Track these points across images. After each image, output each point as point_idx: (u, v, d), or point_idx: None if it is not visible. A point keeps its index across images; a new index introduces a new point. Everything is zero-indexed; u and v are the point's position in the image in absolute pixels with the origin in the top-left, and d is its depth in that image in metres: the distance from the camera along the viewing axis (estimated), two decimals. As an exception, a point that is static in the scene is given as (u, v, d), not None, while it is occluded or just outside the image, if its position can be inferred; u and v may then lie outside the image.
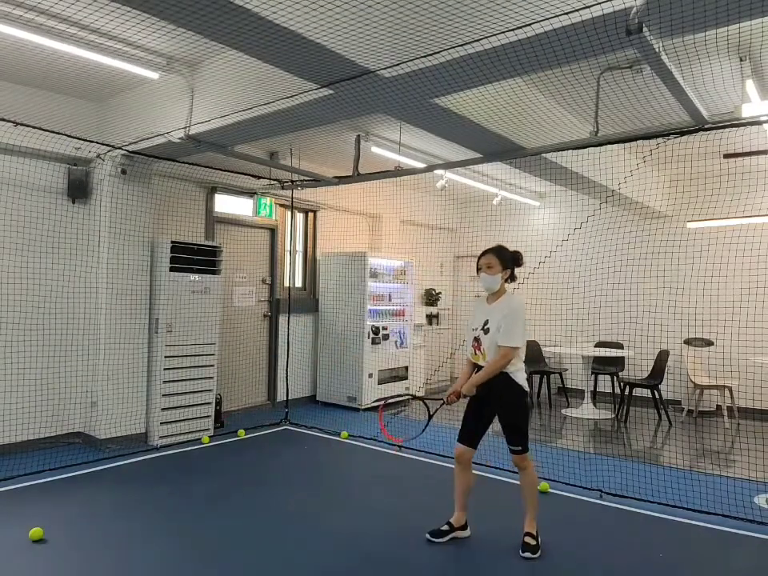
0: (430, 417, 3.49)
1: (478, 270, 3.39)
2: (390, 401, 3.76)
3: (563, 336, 7.91)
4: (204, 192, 6.37)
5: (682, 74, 3.57)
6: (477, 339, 3.33)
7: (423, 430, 3.53)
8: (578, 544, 3.43)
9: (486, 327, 3.29)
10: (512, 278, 3.41)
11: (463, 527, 3.49)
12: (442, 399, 3.43)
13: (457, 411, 3.50)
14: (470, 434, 3.39)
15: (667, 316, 6.49)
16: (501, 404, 3.29)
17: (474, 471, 3.54)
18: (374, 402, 7.00)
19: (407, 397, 3.61)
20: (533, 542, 3.25)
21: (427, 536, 3.40)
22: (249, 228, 6.87)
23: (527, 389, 3.33)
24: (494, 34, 2.87)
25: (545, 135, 4.80)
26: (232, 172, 5.93)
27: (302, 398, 7.33)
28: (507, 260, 3.35)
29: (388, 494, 4.26)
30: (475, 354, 3.35)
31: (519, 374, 3.27)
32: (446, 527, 3.44)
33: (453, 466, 3.56)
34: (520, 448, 3.27)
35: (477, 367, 3.34)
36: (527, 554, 3.20)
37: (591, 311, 6.90)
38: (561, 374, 7.75)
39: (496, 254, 3.35)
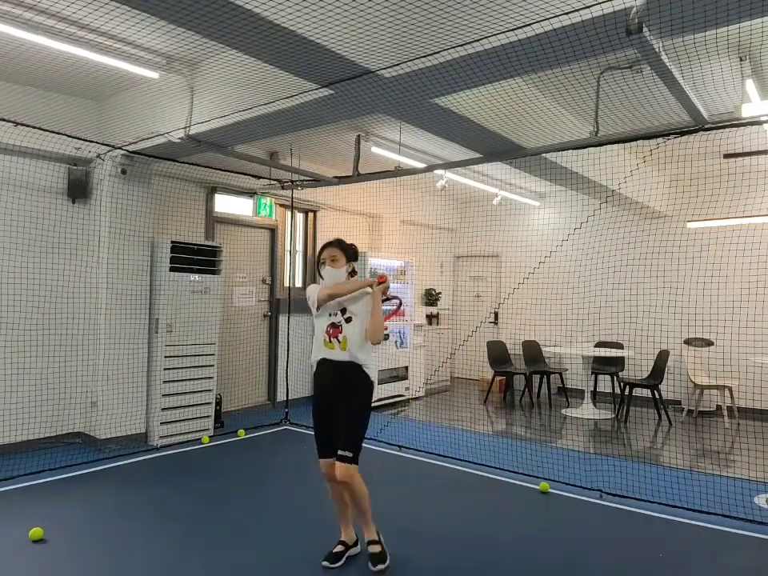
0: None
1: (321, 263, 3.11)
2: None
3: (563, 336, 7.92)
4: (204, 192, 6.37)
5: (682, 74, 3.57)
6: (335, 326, 3.01)
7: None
8: (578, 544, 3.43)
9: (347, 317, 3.01)
10: (353, 272, 3.19)
11: (355, 543, 3.18)
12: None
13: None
14: (329, 443, 3.02)
15: (667, 316, 6.49)
16: (348, 397, 2.98)
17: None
18: (374, 402, 6.98)
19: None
20: (378, 549, 3.01)
21: (324, 563, 3.02)
22: (249, 228, 6.88)
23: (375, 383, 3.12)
24: (494, 34, 2.87)
25: (545, 135, 4.80)
26: (232, 172, 5.93)
27: (302, 398, 7.32)
28: (350, 253, 3.14)
29: (388, 493, 4.25)
30: (329, 340, 3.01)
31: (373, 367, 3.08)
32: (340, 548, 3.10)
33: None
34: (351, 455, 2.88)
35: (325, 360, 3.04)
36: (378, 566, 2.95)
37: (591, 311, 6.90)
38: (561, 374, 7.75)
39: (339, 246, 3.12)
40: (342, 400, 2.99)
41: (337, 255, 3.09)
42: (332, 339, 3.02)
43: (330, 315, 3.05)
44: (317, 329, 3.08)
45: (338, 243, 3.14)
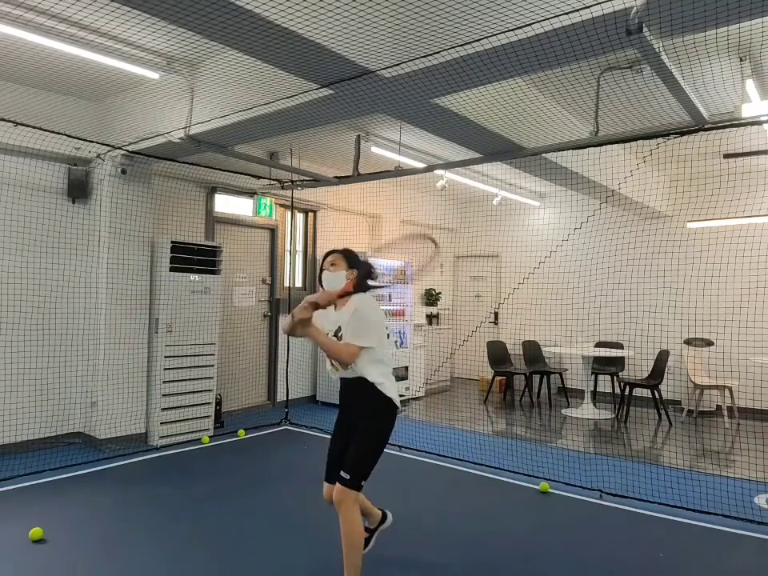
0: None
1: (321, 271, 2.97)
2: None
3: (563, 336, 7.92)
4: (204, 192, 6.37)
5: (682, 73, 3.57)
6: None
7: None
8: (578, 544, 3.43)
9: (339, 334, 2.80)
10: (362, 286, 2.90)
11: (382, 521, 3.19)
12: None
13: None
14: (334, 469, 2.85)
15: (667, 316, 6.49)
16: (361, 416, 2.80)
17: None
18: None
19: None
20: None
21: None
22: (249, 228, 6.88)
23: (397, 404, 2.82)
24: (494, 34, 2.87)
25: (545, 135, 4.80)
26: (232, 172, 5.93)
27: (302, 398, 7.33)
28: (353, 261, 2.95)
29: (388, 493, 4.25)
30: (331, 363, 2.85)
31: (387, 383, 2.80)
32: (366, 534, 2.99)
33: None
34: (349, 477, 2.69)
35: (341, 380, 2.89)
36: None
37: (591, 311, 6.91)
38: (561, 374, 7.75)
39: (341, 253, 2.98)
40: (356, 417, 2.84)
41: (336, 261, 2.93)
42: (332, 363, 2.84)
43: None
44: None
45: (341, 251, 2.99)
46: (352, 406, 2.88)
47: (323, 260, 3.01)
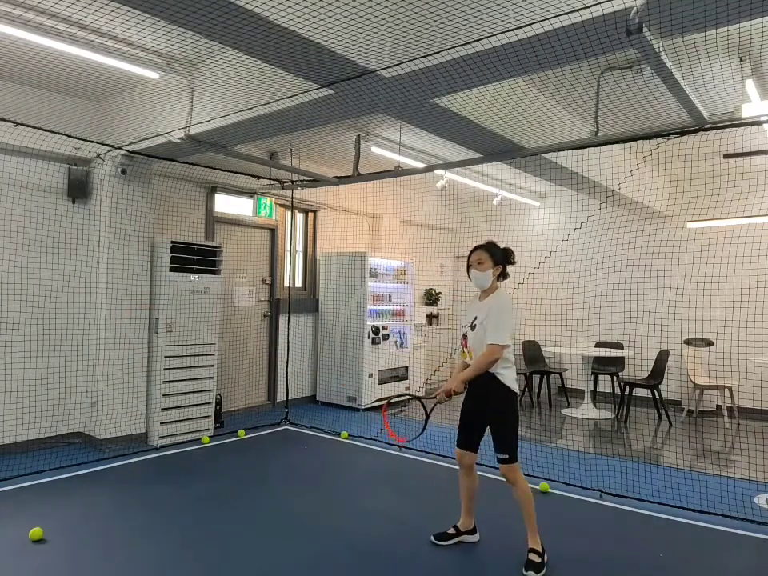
0: (428, 416, 3.39)
1: (468, 267, 3.26)
2: (393, 400, 3.61)
3: (563, 336, 7.92)
4: (204, 192, 6.37)
5: (681, 73, 3.57)
6: (464, 336, 3.24)
7: (423, 430, 3.42)
8: (578, 544, 3.43)
9: (473, 324, 3.17)
10: (504, 275, 3.28)
11: (471, 531, 3.42)
12: (435, 398, 3.28)
13: (453, 410, 3.49)
14: (466, 437, 3.30)
15: (667, 316, 6.49)
16: (489, 408, 3.19)
17: (477, 474, 3.45)
18: (374, 402, 6.99)
19: (407, 397, 3.69)
20: (537, 560, 3.07)
21: (432, 539, 3.35)
22: (249, 228, 6.88)
23: (516, 390, 3.20)
24: (494, 34, 2.87)
25: (545, 135, 4.80)
26: (232, 172, 5.93)
27: (302, 398, 7.33)
28: (498, 256, 3.23)
29: (388, 494, 4.26)
30: (463, 351, 3.27)
31: (507, 373, 3.15)
32: (452, 530, 3.39)
33: (454, 466, 3.57)
34: (507, 456, 3.13)
35: (466, 365, 3.26)
36: (530, 573, 3.00)
37: (591, 311, 6.91)
38: (561, 374, 7.75)
39: (486, 249, 3.22)
40: (484, 407, 3.21)
41: (483, 258, 3.19)
42: (464, 350, 3.26)
43: (462, 327, 3.27)
44: None
45: (486, 246, 3.24)
46: (479, 391, 3.18)
47: (469, 255, 3.26)
